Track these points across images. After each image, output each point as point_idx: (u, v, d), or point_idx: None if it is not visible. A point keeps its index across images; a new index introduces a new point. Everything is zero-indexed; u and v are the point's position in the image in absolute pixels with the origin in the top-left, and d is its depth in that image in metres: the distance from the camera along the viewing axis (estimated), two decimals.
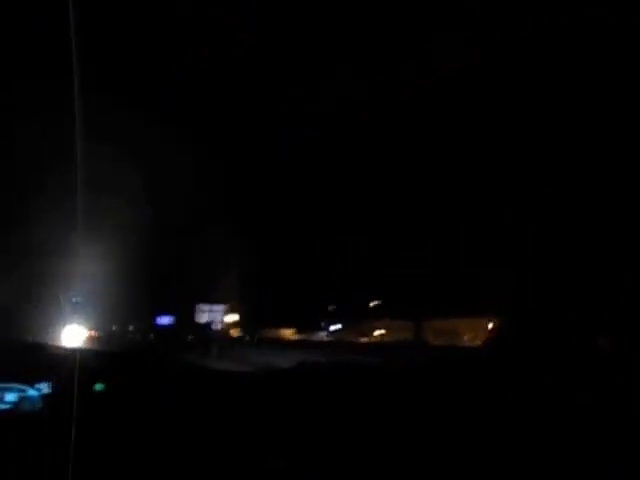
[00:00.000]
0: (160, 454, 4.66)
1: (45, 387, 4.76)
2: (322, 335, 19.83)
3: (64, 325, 11.47)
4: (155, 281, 16.71)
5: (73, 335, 11.60)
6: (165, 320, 19.44)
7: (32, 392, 4.72)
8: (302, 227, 17.25)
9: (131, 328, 19.00)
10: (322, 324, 19.87)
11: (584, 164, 13.60)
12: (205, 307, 19.98)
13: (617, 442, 6.72)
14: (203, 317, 19.98)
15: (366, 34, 15.17)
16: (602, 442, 6.68)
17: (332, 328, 19.55)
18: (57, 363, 4.80)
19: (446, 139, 15.88)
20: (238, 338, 19.66)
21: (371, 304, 18.04)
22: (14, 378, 4.66)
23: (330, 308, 19.46)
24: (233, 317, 19.99)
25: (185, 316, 19.51)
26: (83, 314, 12.12)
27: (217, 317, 20.02)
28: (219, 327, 19.91)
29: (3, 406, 4.65)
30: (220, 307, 20.06)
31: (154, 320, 19.19)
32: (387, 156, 16.61)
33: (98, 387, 4.71)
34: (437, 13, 14.73)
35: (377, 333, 18.15)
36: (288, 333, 20.27)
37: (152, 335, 19.09)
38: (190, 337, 19.04)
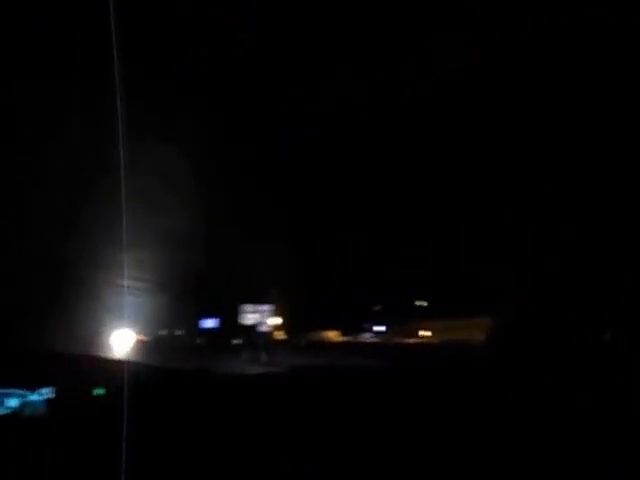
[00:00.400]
0: (168, 455, 4.66)
1: (47, 392, 4.77)
2: (367, 336, 19.39)
3: (113, 330, 11.36)
4: (199, 283, 16.26)
5: (122, 340, 11.44)
6: (210, 323, 18.71)
7: (34, 397, 4.72)
8: (345, 228, 16.86)
9: (179, 332, 18.31)
10: (366, 325, 19.45)
11: (584, 164, 13.61)
12: (250, 308, 19.24)
13: (617, 442, 6.71)
14: (248, 318, 19.21)
15: (366, 34, 15.17)
16: (602, 442, 6.67)
17: (377, 329, 19.19)
18: (58, 368, 4.83)
19: (446, 139, 15.92)
20: (283, 341, 18.87)
21: (417, 304, 17.54)
22: (16, 383, 4.67)
23: (375, 309, 19.04)
24: (276, 320, 19.15)
25: (229, 318, 18.75)
26: (131, 318, 11.94)
27: (263, 318, 19.21)
28: (265, 329, 19.06)
29: (4, 411, 4.66)
30: (266, 307, 19.26)
31: (199, 323, 18.49)
32: (387, 156, 16.66)
33: (97, 392, 4.71)
34: (437, 13, 14.72)
35: (422, 334, 17.66)
36: (333, 335, 19.69)
37: (199, 339, 18.39)
38: (235, 340, 18.20)
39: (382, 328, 19.14)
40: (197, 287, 16.23)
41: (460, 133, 15.72)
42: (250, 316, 19.08)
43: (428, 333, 17.70)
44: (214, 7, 14.89)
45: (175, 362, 11.89)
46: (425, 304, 17.71)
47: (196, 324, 18.43)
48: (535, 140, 14.49)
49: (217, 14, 15.01)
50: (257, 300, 19.04)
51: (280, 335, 19.08)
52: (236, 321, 18.81)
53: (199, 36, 15.43)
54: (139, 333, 13.65)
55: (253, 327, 18.78)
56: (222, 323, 18.64)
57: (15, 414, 4.65)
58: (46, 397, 4.75)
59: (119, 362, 6.22)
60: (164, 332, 17.29)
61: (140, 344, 13.54)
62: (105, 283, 10.73)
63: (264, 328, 18.89)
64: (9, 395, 4.67)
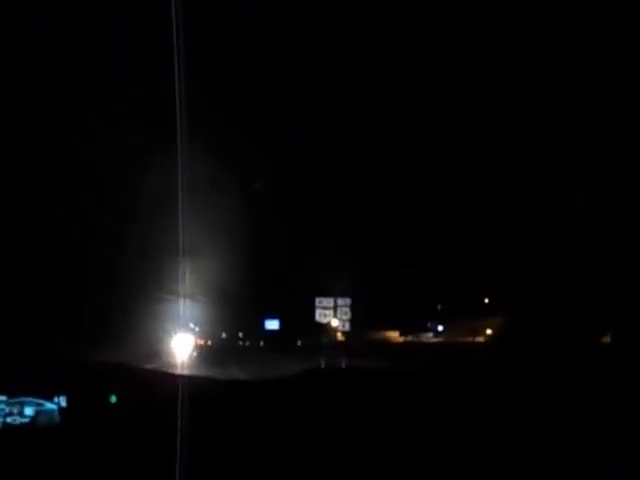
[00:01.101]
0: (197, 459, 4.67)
1: (62, 400, 4.78)
2: (429, 336, 18.10)
3: (173, 336, 10.69)
4: (262, 280, 14.96)
5: (182, 345, 10.76)
6: (273, 324, 16.41)
7: (49, 405, 4.74)
8: (413, 223, 15.92)
9: (241, 335, 16.77)
10: (428, 324, 18.12)
11: (584, 164, 13.68)
12: (328, 301, 16.02)
13: (617, 442, 6.79)
14: (324, 315, 16.00)
15: (366, 34, 15.17)
16: (602, 442, 6.75)
17: (440, 328, 17.85)
18: (72, 375, 4.84)
19: (446, 139, 15.95)
20: (342, 342, 16.66)
21: (486, 301, 16.65)
22: (31, 392, 4.69)
23: (439, 307, 17.76)
24: (333, 321, 16.39)
25: (294, 317, 16.45)
26: (190, 324, 11.41)
27: (344, 314, 15.98)
28: (347, 327, 16.16)
29: (21, 420, 4.68)
30: (347, 300, 16.15)
31: (261, 325, 16.34)
32: (387, 156, 16.67)
33: (111, 399, 4.73)
34: (437, 13, 14.74)
35: (489, 332, 16.80)
36: (394, 336, 18.23)
37: (262, 342, 16.75)
38: (299, 343, 16.34)
39: (441, 327, 17.63)
40: (258, 287, 14.95)
41: (460, 133, 15.77)
42: (328, 312, 15.87)
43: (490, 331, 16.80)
44: (214, 7, 14.86)
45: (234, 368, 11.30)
46: (486, 301, 16.80)
47: (259, 326, 16.47)
48: (535, 140, 14.55)
49: (217, 14, 14.98)
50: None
51: (341, 337, 16.86)
52: (301, 320, 16.42)
53: (199, 36, 15.39)
54: (200, 337, 12.85)
55: (326, 326, 16.06)
56: (284, 323, 16.37)
57: (31, 423, 4.68)
58: (60, 405, 4.78)
59: (133, 368, 6.22)
60: (225, 336, 16.07)
61: (200, 348, 12.85)
62: (161, 289, 10.32)
63: (346, 325, 16.06)
64: (25, 404, 4.70)
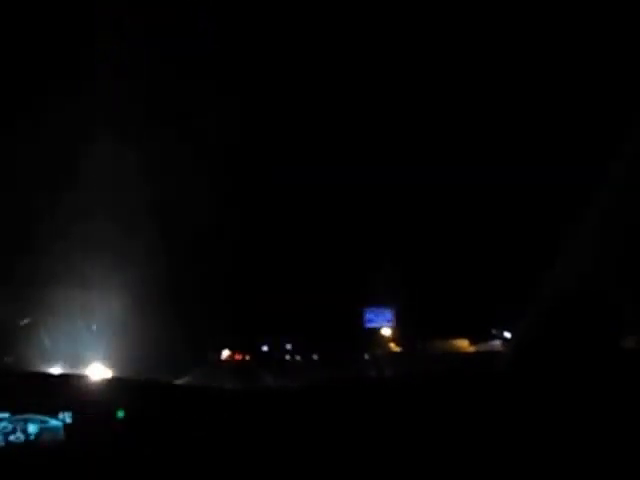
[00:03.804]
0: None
1: (67, 417, 4.61)
2: (497, 344, 16.72)
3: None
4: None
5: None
6: (383, 316, 12.14)
7: (54, 422, 4.57)
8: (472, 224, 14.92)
9: (289, 347, 13.29)
10: (493, 331, 16.80)
11: (586, 164, 13.60)
12: None
13: (617, 442, 6.63)
14: None
15: (365, 34, 15.15)
16: (602, 442, 6.59)
17: (509, 335, 15.88)
18: (78, 391, 4.67)
19: (447, 139, 15.91)
20: (400, 354, 14.98)
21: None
22: (34, 409, 4.52)
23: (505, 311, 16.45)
24: (386, 331, 15.19)
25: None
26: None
27: None
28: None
29: (24, 437, 4.51)
30: None
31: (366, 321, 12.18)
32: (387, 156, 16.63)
33: (118, 414, 4.56)
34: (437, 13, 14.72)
35: None
36: (463, 344, 17.07)
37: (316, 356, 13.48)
38: (366, 356, 13.12)
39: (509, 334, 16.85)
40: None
41: (460, 133, 15.72)
42: None
43: None
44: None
45: None
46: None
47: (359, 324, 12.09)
48: (536, 140, 14.51)
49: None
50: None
51: (395, 347, 15.47)
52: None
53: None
54: (236, 350, 10.28)
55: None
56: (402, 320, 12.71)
57: (34, 441, 4.51)
58: (65, 422, 4.60)
59: (139, 382, 5.98)
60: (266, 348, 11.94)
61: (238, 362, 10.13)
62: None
63: None
64: (28, 421, 4.52)
